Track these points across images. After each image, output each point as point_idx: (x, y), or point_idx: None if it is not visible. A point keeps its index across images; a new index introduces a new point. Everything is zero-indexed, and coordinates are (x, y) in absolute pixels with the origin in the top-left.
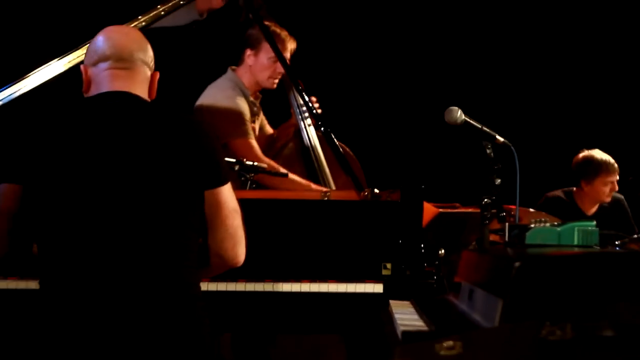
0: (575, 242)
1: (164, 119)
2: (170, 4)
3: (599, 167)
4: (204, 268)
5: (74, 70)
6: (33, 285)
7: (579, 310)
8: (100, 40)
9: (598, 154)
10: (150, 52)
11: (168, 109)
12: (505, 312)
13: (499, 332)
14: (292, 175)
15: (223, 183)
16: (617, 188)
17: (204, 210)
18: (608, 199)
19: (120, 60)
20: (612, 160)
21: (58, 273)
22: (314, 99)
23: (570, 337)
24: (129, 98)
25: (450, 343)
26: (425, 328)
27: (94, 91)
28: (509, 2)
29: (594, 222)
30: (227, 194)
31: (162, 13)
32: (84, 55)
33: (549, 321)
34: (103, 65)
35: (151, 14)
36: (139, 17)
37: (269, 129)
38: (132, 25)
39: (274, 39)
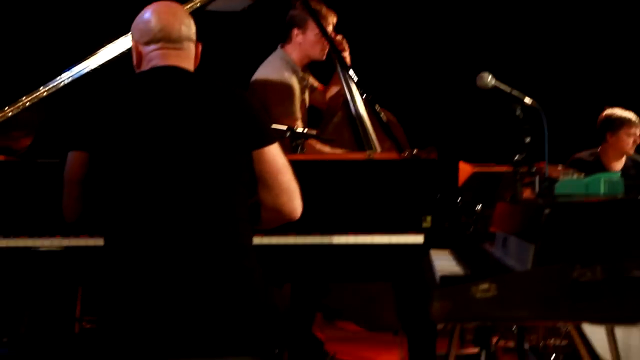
0: (602, 192)
1: (210, 89)
2: None
3: (623, 120)
4: (258, 223)
5: None
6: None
7: (608, 253)
8: (151, 20)
9: (620, 110)
10: (194, 26)
11: (213, 80)
12: (537, 256)
13: (532, 275)
14: (335, 148)
15: (269, 142)
16: (638, 142)
17: (253, 170)
18: (631, 152)
19: (170, 42)
20: (633, 115)
21: (121, 233)
22: (340, 38)
23: (600, 277)
24: (179, 72)
25: (486, 285)
26: (461, 273)
27: (145, 67)
28: None
29: (619, 173)
30: (274, 151)
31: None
32: None
33: (580, 263)
34: (154, 46)
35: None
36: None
37: (320, 88)
38: (188, 6)
39: (317, 16)
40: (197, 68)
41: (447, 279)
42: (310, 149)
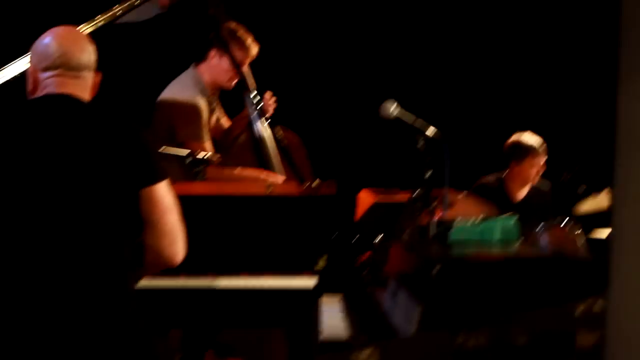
0: (497, 238)
1: (101, 122)
2: (126, 4)
3: (528, 150)
4: (141, 267)
5: None
6: None
7: (495, 317)
8: (51, 45)
9: (527, 136)
10: (94, 55)
11: (106, 112)
12: (424, 318)
13: (415, 341)
14: (238, 171)
15: (158, 180)
16: (542, 171)
17: (139, 209)
18: (535, 182)
19: (69, 69)
20: (540, 144)
21: (5, 273)
22: (269, 96)
23: (484, 344)
24: (71, 102)
25: (368, 352)
26: (345, 335)
27: (39, 93)
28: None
29: (515, 218)
30: (163, 190)
31: (119, 13)
32: None
33: (465, 328)
34: (52, 72)
35: (108, 14)
36: (97, 16)
37: (226, 122)
38: (92, 24)
39: (238, 44)
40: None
41: (329, 345)
42: (213, 174)
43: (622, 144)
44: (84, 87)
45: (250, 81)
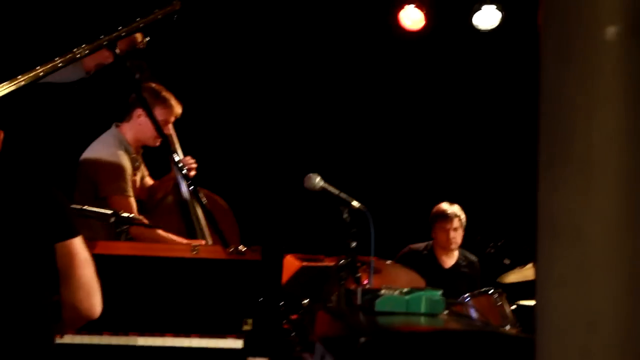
0: (422, 310)
1: (11, 179)
2: (49, 65)
3: (437, 216)
4: (60, 323)
5: None
6: None
7: None
8: None
9: (445, 204)
10: None
11: (15, 169)
12: None
13: None
14: (162, 233)
15: (73, 235)
16: (453, 236)
17: (55, 265)
18: (450, 246)
19: None
20: (451, 209)
21: None
22: (190, 160)
23: None
24: None
25: None
26: None
27: None
28: (372, 72)
29: (441, 291)
30: (78, 245)
31: (41, 74)
32: None
33: None
34: None
35: (30, 75)
36: (18, 76)
37: (150, 181)
38: (13, 83)
39: (162, 104)
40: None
41: None
42: (138, 234)
43: (543, 230)
44: None
45: (176, 142)
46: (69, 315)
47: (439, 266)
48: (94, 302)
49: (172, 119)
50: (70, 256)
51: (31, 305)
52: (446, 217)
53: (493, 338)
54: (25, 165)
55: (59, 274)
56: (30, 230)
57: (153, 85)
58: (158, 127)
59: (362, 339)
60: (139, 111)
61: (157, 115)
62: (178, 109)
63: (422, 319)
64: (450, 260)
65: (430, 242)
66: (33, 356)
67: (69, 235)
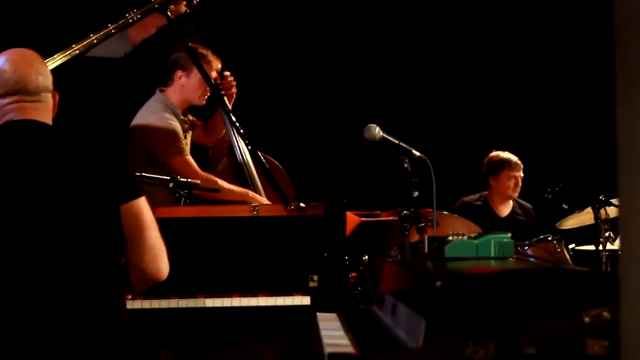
0: (492, 254)
1: (70, 143)
2: (102, 32)
3: (502, 163)
4: (127, 285)
5: None
6: None
7: (502, 328)
8: (5, 71)
9: (503, 153)
10: (50, 76)
11: (74, 134)
12: (429, 331)
13: (423, 353)
14: (228, 186)
15: (137, 196)
16: (520, 184)
17: (121, 227)
18: (514, 195)
19: (28, 94)
20: (514, 158)
21: None
22: (227, 73)
23: (493, 355)
24: (37, 126)
25: None
26: (350, 349)
27: (1, 120)
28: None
29: (509, 234)
30: (142, 206)
31: (95, 42)
32: None
33: (472, 340)
34: (10, 99)
35: (84, 43)
36: (73, 45)
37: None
38: (67, 53)
39: (201, 60)
40: (74, 116)
41: (336, 356)
42: (203, 180)
43: (624, 160)
44: (45, 110)
45: (227, 104)
46: (136, 278)
47: (495, 215)
48: (161, 264)
49: (214, 73)
50: (135, 217)
51: (100, 269)
52: (514, 165)
53: (568, 275)
54: (82, 129)
55: (126, 238)
56: (94, 193)
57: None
58: (209, 81)
59: (439, 283)
60: (179, 72)
61: (196, 73)
62: (217, 63)
63: (493, 262)
64: (506, 209)
65: (484, 192)
66: (105, 320)
67: (133, 195)
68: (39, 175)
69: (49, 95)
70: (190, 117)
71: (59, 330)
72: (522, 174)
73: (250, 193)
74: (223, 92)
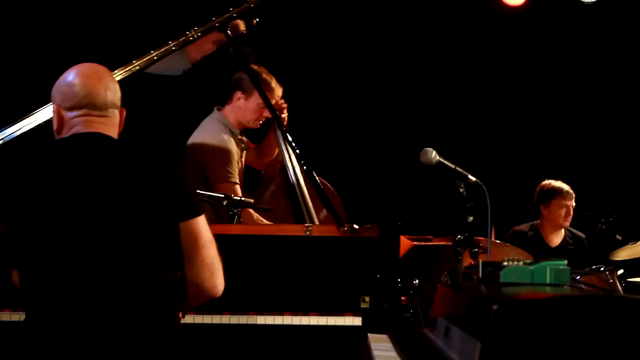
0: (548, 280)
1: (135, 157)
2: (162, 49)
3: (554, 191)
4: (183, 301)
5: None
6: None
7: (557, 354)
8: (75, 84)
9: (555, 182)
10: (119, 91)
11: (138, 148)
12: (484, 354)
13: None
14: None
15: (197, 214)
16: (571, 213)
17: (180, 243)
18: (566, 224)
19: (95, 109)
20: (566, 186)
21: (42, 309)
22: (280, 100)
23: None
24: (102, 139)
25: None
26: None
27: (66, 133)
28: (475, 49)
29: (565, 261)
30: (201, 224)
31: (155, 58)
32: None
33: None
34: (78, 112)
35: (144, 59)
36: (133, 61)
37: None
38: (127, 69)
39: (263, 86)
40: (131, 131)
41: None
42: (248, 218)
43: None
44: (111, 125)
45: (282, 124)
46: (192, 293)
47: (546, 245)
48: (217, 281)
49: (273, 101)
50: (194, 236)
51: (157, 284)
52: (566, 194)
53: (626, 303)
54: (146, 144)
55: (184, 255)
56: (155, 208)
57: (254, 67)
58: (270, 106)
59: (495, 307)
60: (239, 94)
61: (256, 97)
62: (279, 91)
63: (549, 288)
64: (557, 238)
65: (535, 222)
66: (159, 335)
67: (193, 214)
68: (102, 187)
69: (116, 111)
70: (244, 139)
71: (115, 343)
72: (574, 203)
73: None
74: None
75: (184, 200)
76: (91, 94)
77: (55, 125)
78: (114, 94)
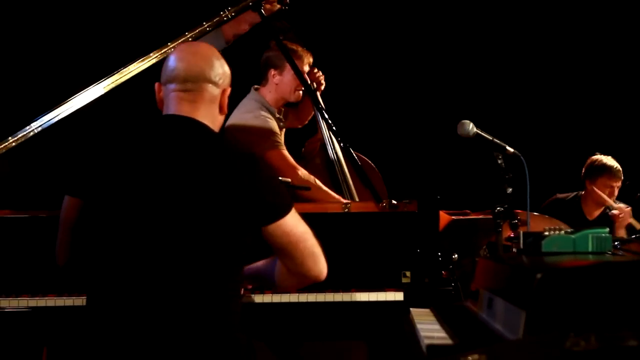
0: (590, 249)
1: (221, 152)
2: (197, 30)
3: (603, 169)
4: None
5: (114, 92)
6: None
7: (602, 320)
8: (171, 59)
9: (606, 158)
10: (220, 69)
11: (227, 140)
12: (529, 323)
13: (524, 345)
14: (318, 183)
15: (281, 216)
16: (615, 193)
17: (249, 242)
18: (607, 203)
19: (186, 82)
20: (617, 166)
21: (105, 293)
22: (316, 71)
23: (594, 347)
24: (192, 125)
25: (476, 357)
26: (448, 341)
27: (164, 110)
28: (515, 17)
29: (607, 229)
30: (290, 223)
31: (190, 39)
32: (120, 79)
33: (573, 332)
34: (171, 87)
35: (179, 41)
36: (168, 43)
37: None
38: (163, 51)
39: (293, 56)
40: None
41: (435, 348)
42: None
43: None
44: (202, 103)
45: (320, 101)
46: (295, 280)
47: (584, 217)
48: (321, 267)
49: (306, 67)
50: (285, 236)
51: (221, 278)
52: (614, 174)
53: None
54: (229, 143)
55: (279, 251)
56: (232, 210)
57: (289, 43)
58: (301, 77)
59: (539, 275)
60: (272, 71)
61: (289, 69)
62: (309, 57)
63: (591, 256)
64: (596, 212)
65: (580, 192)
66: (220, 328)
67: (276, 217)
68: (181, 179)
69: (213, 88)
70: (283, 118)
71: (171, 335)
72: (620, 184)
73: (336, 196)
74: (315, 87)
75: (268, 203)
76: (183, 67)
77: (158, 104)
78: (212, 69)
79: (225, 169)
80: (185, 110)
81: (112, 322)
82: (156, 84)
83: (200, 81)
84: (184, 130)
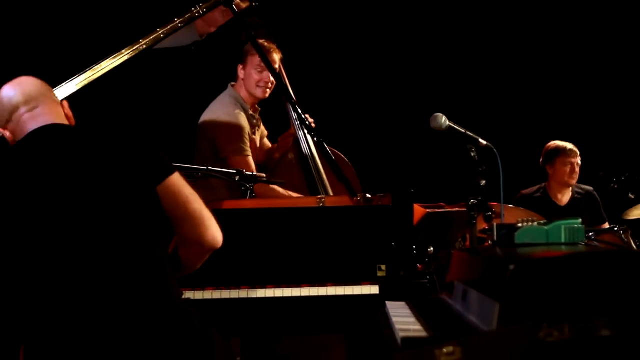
0: (563, 240)
1: (92, 137)
2: (169, 27)
3: (558, 151)
4: (180, 269)
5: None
6: None
7: (575, 311)
8: (4, 97)
9: (558, 142)
10: (45, 86)
11: (91, 128)
12: (503, 314)
13: (497, 336)
14: (283, 191)
15: (169, 173)
16: (577, 170)
17: (163, 209)
18: (572, 181)
19: (30, 102)
20: (570, 145)
21: (47, 309)
22: (307, 116)
23: (568, 337)
24: (56, 128)
25: (450, 348)
26: (423, 333)
27: (20, 136)
28: (487, 12)
29: (580, 220)
30: (178, 182)
31: (162, 36)
32: (93, 76)
33: (546, 322)
34: (17, 116)
35: (151, 37)
36: (140, 40)
37: (268, 144)
38: (134, 48)
39: (259, 50)
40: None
41: (410, 340)
42: (261, 193)
43: None
44: (53, 111)
45: (291, 95)
46: (192, 252)
47: (555, 205)
48: (215, 232)
49: (275, 65)
50: (175, 194)
51: (151, 256)
52: (569, 152)
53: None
54: (106, 124)
55: (172, 217)
56: (129, 179)
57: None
58: (271, 68)
59: (512, 267)
60: (240, 67)
61: (251, 63)
62: (277, 54)
63: (564, 247)
64: (565, 197)
65: (543, 184)
66: (161, 307)
67: (164, 174)
68: (73, 175)
69: (53, 98)
70: (257, 116)
71: (116, 319)
72: (579, 161)
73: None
74: (286, 84)
75: (151, 163)
76: (19, 93)
77: (10, 144)
78: (45, 87)
79: (104, 149)
80: (42, 121)
81: (59, 320)
82: (0, 130)
83: (39, 96)
84: (52, 133)
